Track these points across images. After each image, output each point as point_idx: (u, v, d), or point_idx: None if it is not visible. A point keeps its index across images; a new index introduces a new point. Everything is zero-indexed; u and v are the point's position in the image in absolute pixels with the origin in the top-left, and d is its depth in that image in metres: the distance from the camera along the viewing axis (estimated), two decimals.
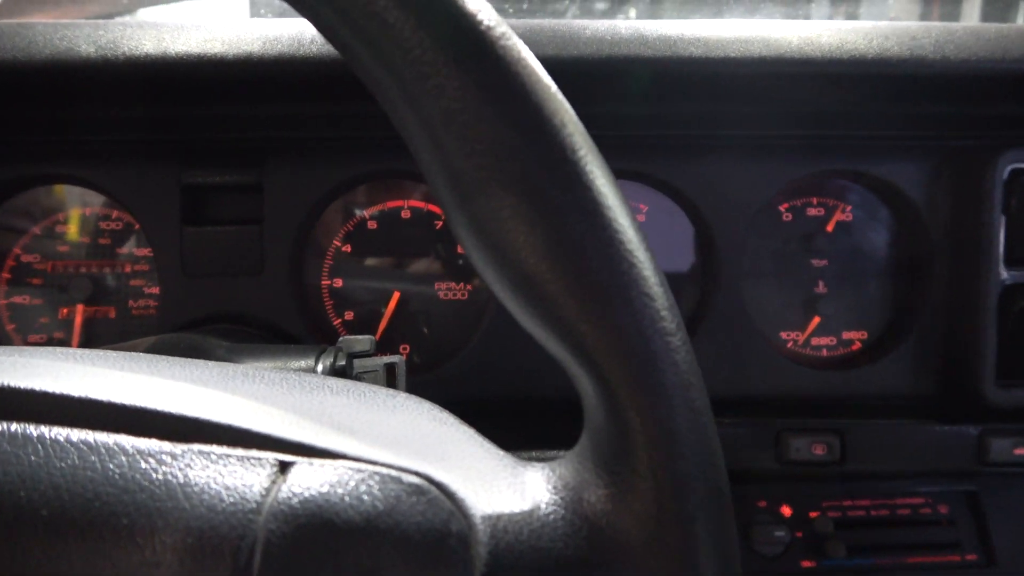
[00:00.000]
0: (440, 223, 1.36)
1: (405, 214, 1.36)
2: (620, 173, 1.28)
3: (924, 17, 2.21)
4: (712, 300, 1.34)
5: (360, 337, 0.90)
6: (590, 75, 1.01)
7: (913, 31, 1.07)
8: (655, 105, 1.11)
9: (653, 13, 2.18)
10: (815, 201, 1.49)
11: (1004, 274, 1.35)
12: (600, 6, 2.06)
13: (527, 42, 0.84)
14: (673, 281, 1.38)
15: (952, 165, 1.31)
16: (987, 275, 1.33)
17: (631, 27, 1.02)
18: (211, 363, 0.47)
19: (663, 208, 1.41)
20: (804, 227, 1.45)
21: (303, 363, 0.83)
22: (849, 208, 1.56)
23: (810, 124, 1.22)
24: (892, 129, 1.26)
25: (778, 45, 1.03)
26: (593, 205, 0.40)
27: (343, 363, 0.85)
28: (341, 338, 0.90)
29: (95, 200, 1.25)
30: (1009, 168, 1.34)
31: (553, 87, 0.41)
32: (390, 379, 0.88)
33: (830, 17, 2.13)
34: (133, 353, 0.47)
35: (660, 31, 1.02)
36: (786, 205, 1.49)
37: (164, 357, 0.47)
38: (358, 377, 0.85)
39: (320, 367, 0.83)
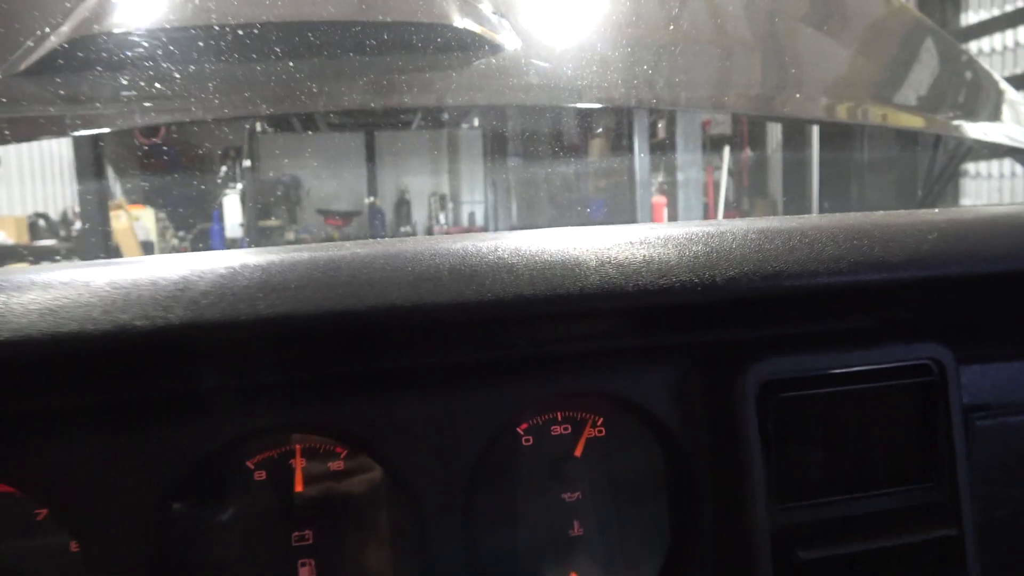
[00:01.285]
0: None
1: None
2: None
3: None
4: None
5: None
6: None
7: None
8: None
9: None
10: (559, 416, 1.29)
11: (773, 512, 1.09)
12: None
13: None
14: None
15: (700, 375, 1.16)
16: (752, 518, 1.05)
17: None
18: None
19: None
20: (549, 451, 1.27)
21: None
22: (600, 420, 1.25)
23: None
24: (625, 335, 1.12)
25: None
26: None
27: None
28: None
29: None
30: (759, 383, 1.10)
31: None
32: None
33: None
34: None
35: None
36: (525, 424, 1.27)
37: None
38: None
39: None
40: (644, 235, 1.03)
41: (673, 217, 9.99)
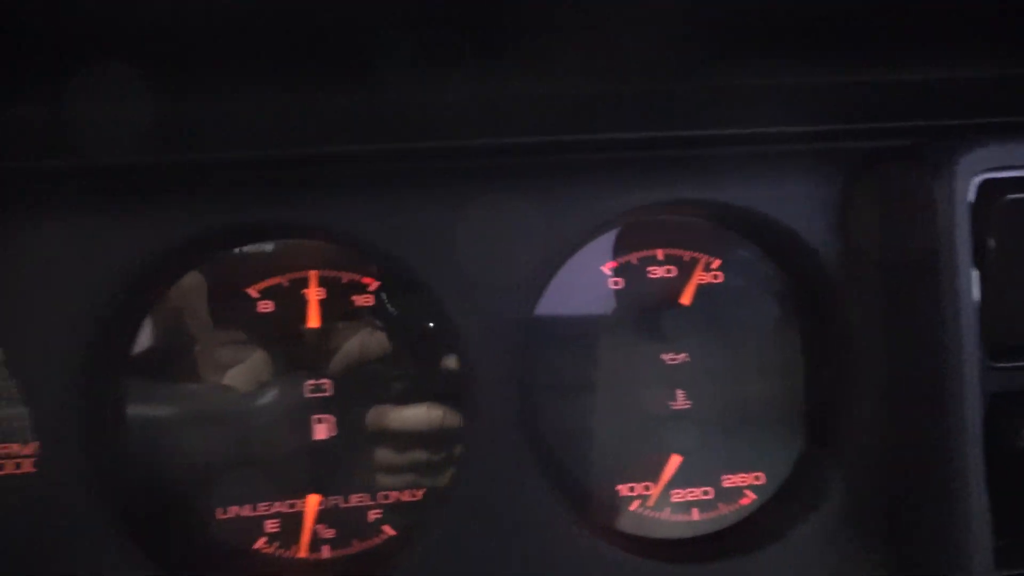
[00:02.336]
0: None
1: None
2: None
3: None
4: (471, 448, 0.85)
5: None
6: None
7: None
8: None
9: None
10: (660, 255, 0.96)
11: (986, 374, 0.73)
12: None
13: None
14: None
15: (873, 181, 0.83)
16: (957, 379, 0.70)
17: None
18: None
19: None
20: (646, 299, 0.95)
21: None
22: (716, 263, 0.92)
23: (635, 124, 0.78)
24: (770, 125, 0.81)
25: None
26: None
27: None
28: None
29: None
30: (978, 180, 0.73)
31: None
32: None
33: None
34: None
35: None
36: (614, 264, 0.96)
37: None
38: None
39: None
40: None
41: None
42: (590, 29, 0.66)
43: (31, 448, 0.88)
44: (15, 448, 0.89)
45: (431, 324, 0.91)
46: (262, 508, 0.89)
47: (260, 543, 0.89)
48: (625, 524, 0.92)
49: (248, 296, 0.91)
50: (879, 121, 0.78)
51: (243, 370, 0.91)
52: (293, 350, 0.91)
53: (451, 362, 0.91)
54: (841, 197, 0.84)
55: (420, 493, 0.91)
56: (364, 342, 0.92)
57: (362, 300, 0.93)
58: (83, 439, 0.77)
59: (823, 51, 0.73)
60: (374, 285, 0.93)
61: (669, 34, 0.66)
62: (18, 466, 0.88)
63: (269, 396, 0.91)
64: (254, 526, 0.89)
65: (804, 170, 0.83)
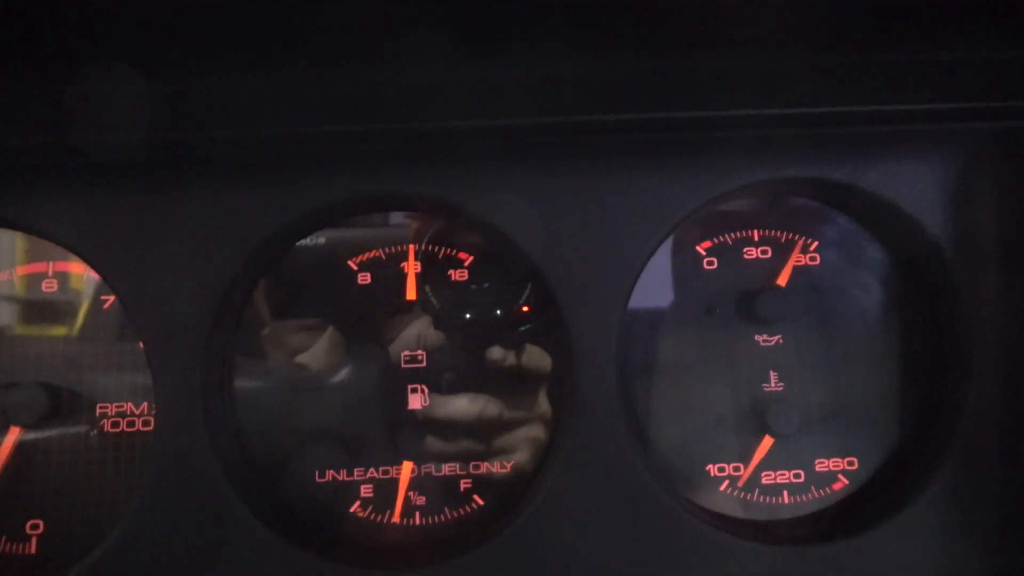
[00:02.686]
0: None
1: None
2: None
3: None
4: (570, 419, 0.85)
5: None
6: None
7: None
8: None
9: None
10: (756, 236, 0.96)
11: None
12: None
13: None
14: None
15: (1002, 162, 0.81)
16: None
17: None
18: None
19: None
20: (740, 280, 0.95)
21: None
22: (814, 244, 0.90)
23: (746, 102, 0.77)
24: (892, 102, 0.77)
25: None
26: None
27: None
28: None
29: None
30: None
31: None
32: None
33: None
34: None
35: None
36: (708, 244, 0.97)
37: None
38: None
39: None
40: None
41: None
42: (711, 4, 0.65)
43: (143, 408, 0.94)
44: (129, 407, 0.94)
45: (530, 299, 0.92)
46: (357, 474, 0.92)
47: (355, 507, 0.91)
48: (713, 504, 0.92)
49: (349, 268, 0.94)
50: (1014, 100, 0.75)
51: (340, 341, 0.94)
52: (390, 322, 0.94)
53: (548, 340, 0.92)
54: (961, 178, 0.81)
55: (510, 465, 0.92)
56: (457, 316, 0.94)
57: (458, 275, 0.95)
58: (200, 402, 0.80)
59: (957, 26, 0.71)
60: (469, 260, 0.95)
61: (792, 9, 0.65)
62: (132, 424, 0.93)
63: (365, 366, 0.93)
64: (350, 491, 0.92)
65: (922, 150, 0.81)
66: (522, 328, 0.93)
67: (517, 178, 0.82)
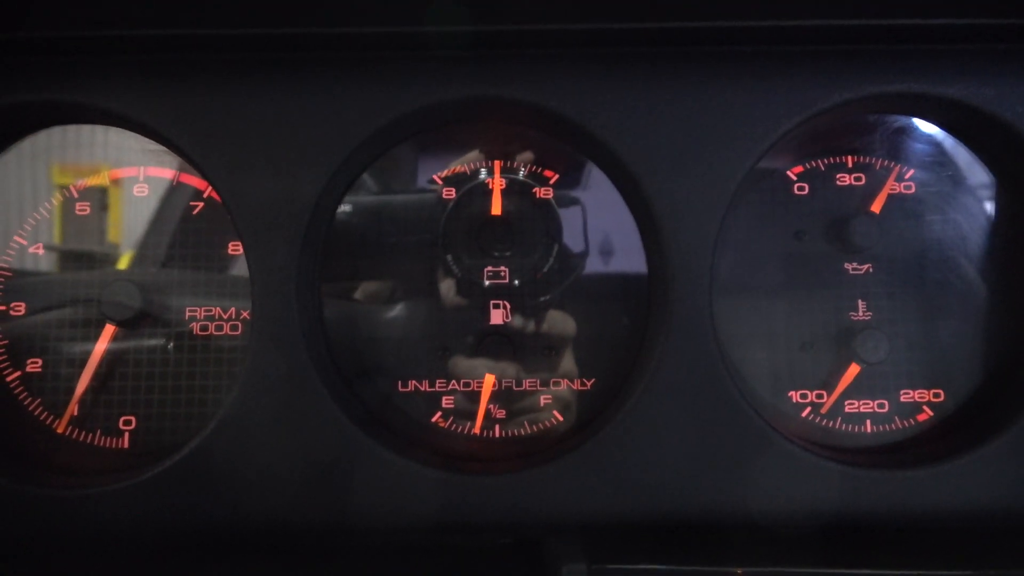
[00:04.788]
0: None
1: None
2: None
3: None
4: (660, 336, 0.84)
5: None
6: None
7: None
8: None
9: None
10: (850, 162, 0.94)
11: None
12: None
13: None
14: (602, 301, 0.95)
15: None
16: None
17: None
18: None
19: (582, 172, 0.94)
20: (832, 206, 0.93)
21: None
22: (910, 172, 0.88)
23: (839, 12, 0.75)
24: (1007, 15, 0.75)
25: None
26: None
27: None
28: None
29: None
30: None
31: None
32: None
33: None
34: None
35: None
36: (800, 169, 0.94)
37: None
38: None
39: None
40: None
41: None
42: None
43: (231, 313, 0.96)
44: (217, 312, 0.96)
45: (630, 212, 0.91)
46: (439, 384, 0.93)
47: (436, 417, 0.93)
48: (794, 430, 0.91)
49: (435, 182, 0.94)
50: None
51: (425, 253, 0.94)
52: (474, 237, 0.94)
53: (637, 260, 0.92)
54: None
55: (590, 383, 0.93)
56: (541, 234, 0.94)
57: (543, 192, 0.94)
58: (295, 298, 0.82)
59: None
60: (555, 179, 0.94)
61: None
62: (220, 328, 0.94)
63: (448, 280, 0.93)
64: (432, 401, 0.93)
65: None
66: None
67: (617, 87, 0.81)
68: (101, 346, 0.92)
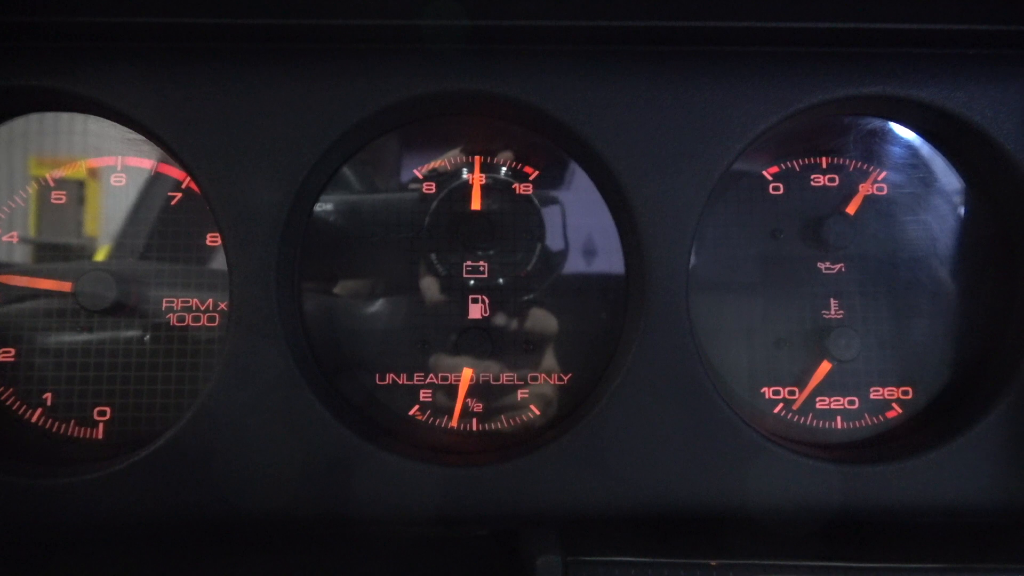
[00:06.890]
0: None
1: None
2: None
3: None
4: (637, 332, 0.85)
5: None
6: None
7: None
8: None
9: None
10: (824, 163, 0.96)
11: None
12: None
13: None
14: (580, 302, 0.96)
15: None
16: None
17: None
18: None
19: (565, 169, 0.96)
20: (807, 206, 0.95)
21: None
22: (883, 174, 0.90)
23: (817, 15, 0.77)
24: (981, 21, 0.77)
25: None
26: None
27: None
28: None
29: None
30: None
31: None
32: None
33: None
34: None
35: None
36: (775, 169, 0.96)
37: None
38: None
39: None
40: None
41: None
42: None
43: (208, 304, 0.95)
44: (195, 303, 0.95)
45: (610, 206, 0.92)
46: (417, 378, 0.93)
47: (414, 410, 0.93)
48: (766, 426, 0.93)
49: (416, 178, 0.94)
50: None
51: (404, 248, 0.94)
52: (454, 233, 0.94)
53: (616, 257, 0.93)
54: None
55: (568, 378, 0.93)
56: (521, 230, 0.94)
57: (522, 188, 0.95)
58: (275, 288, 0.82)
59: None
60: (535, 174, 0.95)
61: None
62: (197, 319, 0.94)
63: (428, 276, 0.94)
64: (410, 394, 0.93)
65: (1014, 76, 0.80)
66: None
67: (598, 84, 0.82)
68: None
